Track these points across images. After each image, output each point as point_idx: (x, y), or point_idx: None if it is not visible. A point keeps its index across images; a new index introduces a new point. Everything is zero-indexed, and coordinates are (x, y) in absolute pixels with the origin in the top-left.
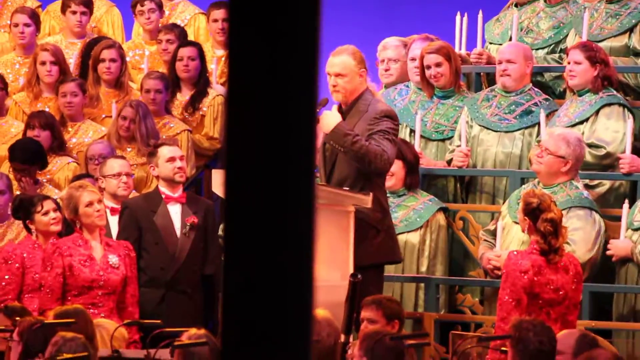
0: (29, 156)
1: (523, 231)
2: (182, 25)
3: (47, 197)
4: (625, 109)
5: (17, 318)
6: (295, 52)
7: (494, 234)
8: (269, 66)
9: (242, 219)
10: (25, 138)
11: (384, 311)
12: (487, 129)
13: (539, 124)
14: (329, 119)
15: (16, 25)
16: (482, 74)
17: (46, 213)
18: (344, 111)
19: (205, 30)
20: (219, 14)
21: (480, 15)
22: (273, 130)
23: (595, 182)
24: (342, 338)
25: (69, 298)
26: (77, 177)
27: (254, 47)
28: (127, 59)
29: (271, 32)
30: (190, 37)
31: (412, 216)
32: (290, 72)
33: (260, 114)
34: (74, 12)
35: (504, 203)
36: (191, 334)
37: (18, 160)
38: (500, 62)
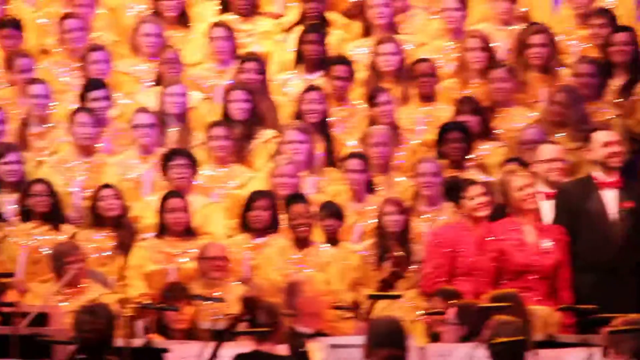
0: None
1: None
2: (608, 7)
3: (474, 182)
4: None
5: (452, 301)
6: None
7: None
8: None
9: None
10: (454, 122)
11: None
12: None
13: None
14: None
15: (444, 10)
16: None
17: (472, 198)
18: None
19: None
20: None
21: None
22: None
23: None
24: None
25: (503, 282)
26: (507, 162)
27: None
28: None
29: None
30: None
31: None
32: None
33: None
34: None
35: None
36: (625, 320)
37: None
38: None
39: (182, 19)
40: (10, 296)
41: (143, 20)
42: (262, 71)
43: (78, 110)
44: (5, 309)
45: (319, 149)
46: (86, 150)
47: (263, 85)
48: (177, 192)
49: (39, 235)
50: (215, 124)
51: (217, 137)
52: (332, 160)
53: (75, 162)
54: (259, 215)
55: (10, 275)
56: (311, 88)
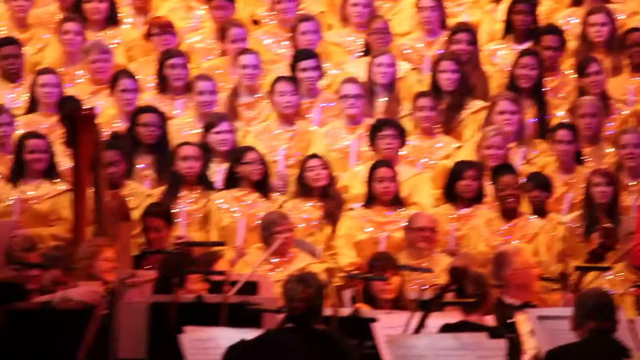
0: None
1: None
2: None
3: None
4: None
5: None
6: None
7: None
8: None
9: None
10: None
11: None
12: None
13: None
14: None
15: None
16: None
17: None
18: None
19: None
20: None
21: None
22: None
23: None
24: None
25: None
26: None
27: None
28: None
29: None
30: None
31: None
32: None
33: None
34: None
35: None
36: None
37: None
38: None
39: None
40: (221, 265)
41: None
42: (473, 42)
43: (279, 79)
44: (216, 277)
45: (530, 115)
46: (289, 118)
47: (473, 55)
48: (386, 162)
49: (251, 203)
50: (422, 95)
51: (424, 108)
52: (543, 128)
53: (278, 131)
54: (469, 185)
55: (221, 244)
56: (526, 52)
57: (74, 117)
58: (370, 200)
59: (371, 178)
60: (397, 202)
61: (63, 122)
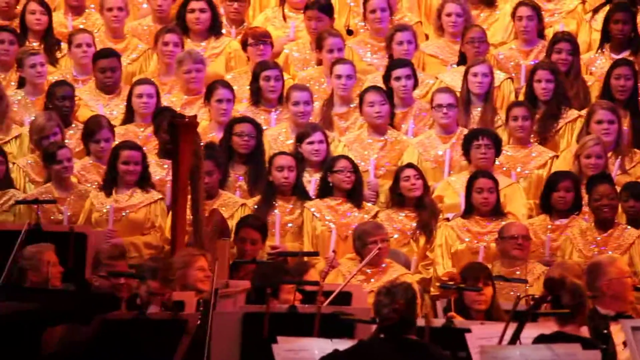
0: None
1: None
2: None
3: None
4: None
5: None
6: None
7: None
8: None
9: None
10: None
11: None
12: None
13: None
14: None
15: None
16: None
17: None
18: None
19: None
20: None
21: None
22: None
23: None
24: None
25: None
26: None
27: None
28: None
29: None
30: None
31: None
32: None
33: None
34: None
35: None
36: None
37: None
38: None
39: None
40: (313, 275)
41: (447, 0)
42: (573, 51)
43: (368, 89)
44: (309, 288)
45: (626, 126)
46: (379, 128)
47: (574, 65)
48: (486, 172)
49: (344, 212)
50: (516, 104)
51: (518, 117)
52: (639, 138)
53: (368, 141)
54: (563, 196)
55: (315, 254)
56: (620, 63)
57: (176, 126)
58: (469, 210)
59: (470, 188)
60: (496, 212)
61: (163, 131)
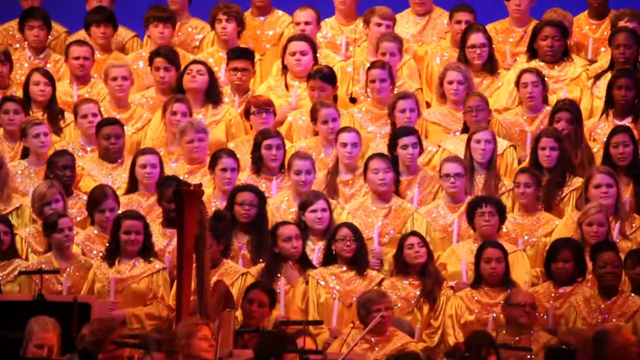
0: None
1: None
2: None
3: None
4: None
5: None
6: None
7: None
8: None
9: None
10: None
11: None
12: None
13: None
14: None
15: None
16: None
17: None
18: None
19: None
20: None
21: None
22: None
23: None
24: None
25: None
26: None
27: None
28: None
29: None
30: None
31: None
32: None
33: None
34: None
35: None
36: None
37: None
38: None
39: (490, 66)
40: (309, 343)
41: (448, 68)
42: (574, 119)
43: (372, 156)
44: (313, 357)
45: (627, 192)
46: (383, 196)
47: (576, 133)
48: (495, 242)
49: (347, 280)
50: (521, 171)
51: (521, 184)
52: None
53: (372, 208)
54: (562, 267)
55: (319, 323)
56: (618, 130)
57: (181, 194)
58: (478, 280)
59: (479, 258)
60: (505, 282)
61: (167, 200)
